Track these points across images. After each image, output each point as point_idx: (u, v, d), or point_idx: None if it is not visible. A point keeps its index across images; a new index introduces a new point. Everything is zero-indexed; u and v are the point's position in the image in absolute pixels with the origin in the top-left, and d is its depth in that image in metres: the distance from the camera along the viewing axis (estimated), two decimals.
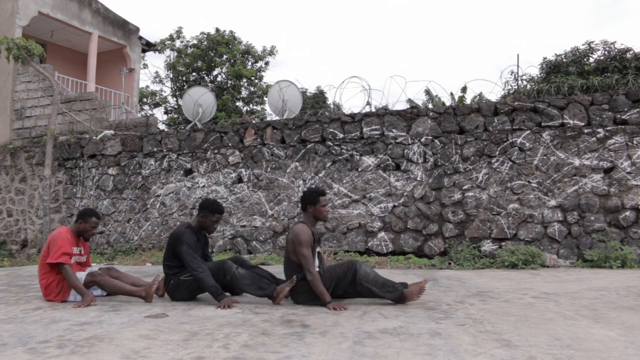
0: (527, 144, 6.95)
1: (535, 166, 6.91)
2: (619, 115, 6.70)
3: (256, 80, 20.88)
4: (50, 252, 4.03)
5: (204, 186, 8.66)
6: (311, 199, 3.92)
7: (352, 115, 7.91)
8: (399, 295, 3.74)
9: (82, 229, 4.24)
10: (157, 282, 4.14)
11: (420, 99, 14.46)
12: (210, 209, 4.15)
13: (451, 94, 11.71)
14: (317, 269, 3.81)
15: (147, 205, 9.04)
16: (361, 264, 3.82)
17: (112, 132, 9.78)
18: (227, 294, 4.02)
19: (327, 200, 4.01)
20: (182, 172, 8.88)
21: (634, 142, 6.57)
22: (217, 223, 4.20)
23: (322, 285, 3.71)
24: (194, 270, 3.88)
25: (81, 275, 4.11)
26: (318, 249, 4.03)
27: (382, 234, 7.43)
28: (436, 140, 7.39)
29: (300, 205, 4.10)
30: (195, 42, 20.57)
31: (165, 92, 21.79)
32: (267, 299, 3.93)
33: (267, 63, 21.10)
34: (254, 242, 8.14)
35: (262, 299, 3.97)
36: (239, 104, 20.82)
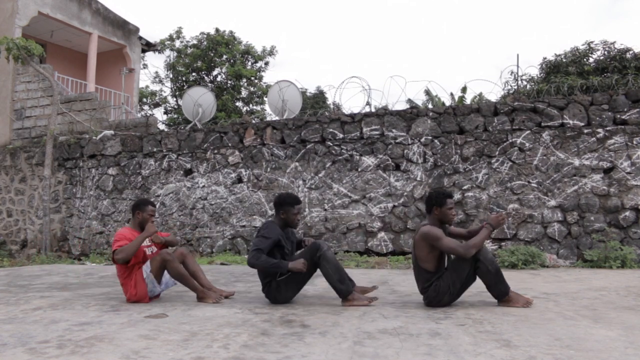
0: (527, 144, 6.96)
1: (535, 166, 6.91)
2: (618, 116, 6.70)
3: (256, 81, 20.85)
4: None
5: (203, 186, 8.66)
6: (437, 201, 3.69)
7: (352, 116, 7.91)
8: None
9: (141, 219, 4.19)
10: (223, 297, 4.12)
11: (420, 99, 14.46)
12: (289, 202, 4.00)
13: (451, 94, 11.71)
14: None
15: None
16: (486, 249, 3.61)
17: (112, 132, 9.78)
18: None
19: (453, 202, 3.75)
20: (182, 172, 8.88)
21: (634, 142, 6.58)
22: (299, 214, 4.05)
23: (474, 241, 3.53)
24: (250, 260, 3.73)
25: (146, 266, 4.10)
26: None
27: (382, 234, 7.43)
28: (436, 141, 7.39)
29: (425, 207, 3.87)
30: (195, 42, 20.55)
31: (165, 92, 21.76)
32: (338, 295, 3.75)
33: (267, 63, 21.08)
34: None
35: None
36: (239, 104, 20.79)
